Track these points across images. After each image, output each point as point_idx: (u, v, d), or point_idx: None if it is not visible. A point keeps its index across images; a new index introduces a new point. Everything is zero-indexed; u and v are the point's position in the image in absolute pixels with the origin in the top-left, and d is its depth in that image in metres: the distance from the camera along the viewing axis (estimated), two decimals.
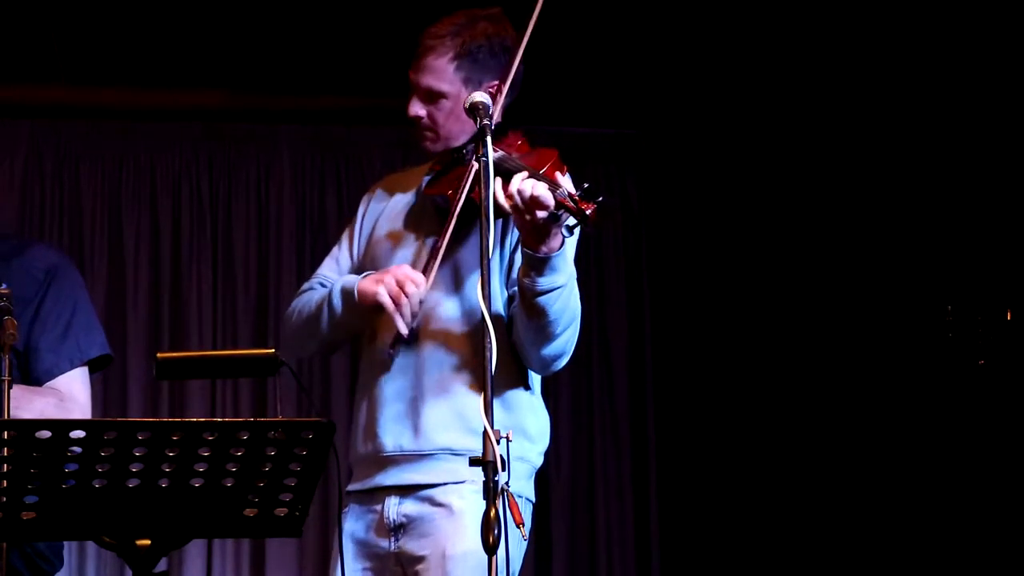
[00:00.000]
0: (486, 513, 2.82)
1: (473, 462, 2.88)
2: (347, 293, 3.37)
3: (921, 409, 5.96)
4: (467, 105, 3.20)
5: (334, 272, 3.54)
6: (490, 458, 2.85)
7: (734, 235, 6.56)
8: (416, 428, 3.31)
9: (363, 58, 6.25)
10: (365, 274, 3.41)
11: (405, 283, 3.26)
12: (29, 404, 3.44)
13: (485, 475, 2.84)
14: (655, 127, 6.74)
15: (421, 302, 3.28)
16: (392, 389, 3.35)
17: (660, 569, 6.56)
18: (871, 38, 5.90)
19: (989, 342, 5.19)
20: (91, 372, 3.65)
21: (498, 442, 2.86)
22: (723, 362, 6.52)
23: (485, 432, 2.86)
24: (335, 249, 3.59)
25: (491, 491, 2.83)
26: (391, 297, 3.25)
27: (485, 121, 3.13)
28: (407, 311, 3.25)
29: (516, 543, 3.22)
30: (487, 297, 2.98)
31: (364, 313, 3.34)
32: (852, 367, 6.19)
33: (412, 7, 5.67)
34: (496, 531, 2.82)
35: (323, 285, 3.52)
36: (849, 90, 6.13)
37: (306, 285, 3.56)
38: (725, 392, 6.49)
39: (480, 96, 3.19)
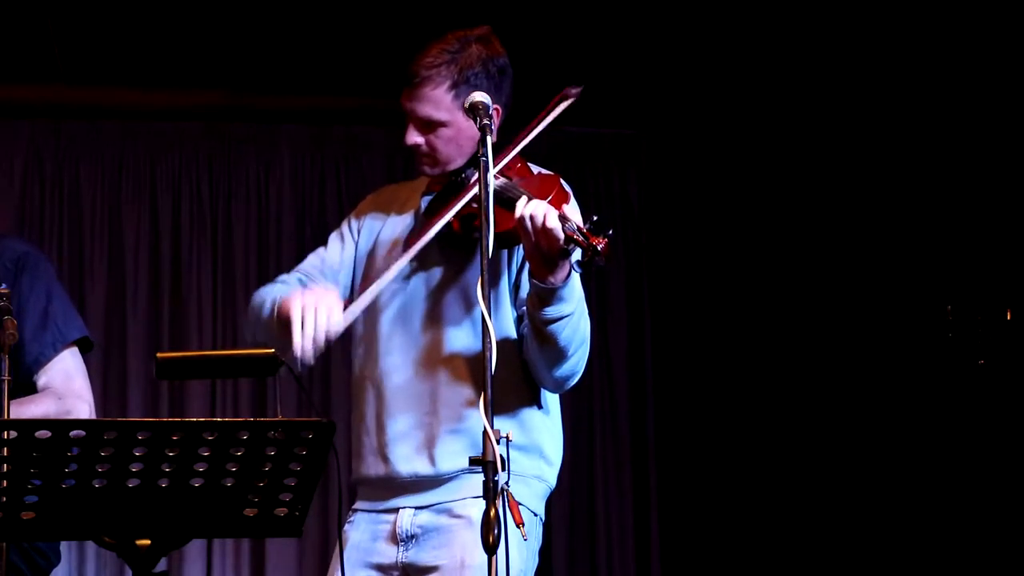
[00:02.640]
0: (486, 513, 2.82)
1: (473, 462, 2.87)
2: (274, 301, 3.30)
3: (921, 409, 5.96)
4: (467, 105, 3.20)
5: (316, 270, 3.49)
6: (490, 458, 2.85)
7: (734, 235, 6.56)
8: (432, 457, 3.28)
9: (363, 58, 6.25)
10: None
11: (321, 308, 3.14)
12: (31, 414, 3.44)
13: (485, 475, 2.84)
14: (655, 127, 6.74)
15: (328, 341, 3.14)
16: (405, 416, 3.32)
17: (660, 569, 6.56)
18: (871, 38, 5.90)
19: (989, 342, 5.19)
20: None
21: (498, 442, 2.86)
22: (723, 362, 6.52)
23: (485, 432, 2.86)
24: (320, 249, 3.54)
25: (491, 491, 2.83)
26: (301, 315, 3.13)
27: (485, 121, 3.13)
28: (308, 333, 3.12)
29: (528, 555, 3.23)
30: (487, 297, 2.97)
31: (279, 323, 3.24)
32: (852, 367, 6.19)
33: (411, 7, 5.69)
34: (496, 531, 2.81)
35: (300, 281, 3.46)
36: (849, 90, 6.13)
37: (283, 276, 3.50)
38: (725, 392, 6.49)
39: (480, 96, 3.19)
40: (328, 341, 3.16)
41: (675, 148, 6.73)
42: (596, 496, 6.58)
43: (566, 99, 3.33)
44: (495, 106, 3.32)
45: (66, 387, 3.58)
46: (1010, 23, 5.55)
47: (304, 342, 3.13)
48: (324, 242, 3.59)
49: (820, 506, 6.22)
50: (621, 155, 6.80)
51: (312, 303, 3.16)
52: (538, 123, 3.31)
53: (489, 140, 3.09)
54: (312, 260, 3.53)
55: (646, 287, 6.74)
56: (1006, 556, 5.61)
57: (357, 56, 6.25)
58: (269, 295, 3.39)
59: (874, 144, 6.17)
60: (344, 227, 3.55)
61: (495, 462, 2.84)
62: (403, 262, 3.27)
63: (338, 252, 3.51)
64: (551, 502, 3.45)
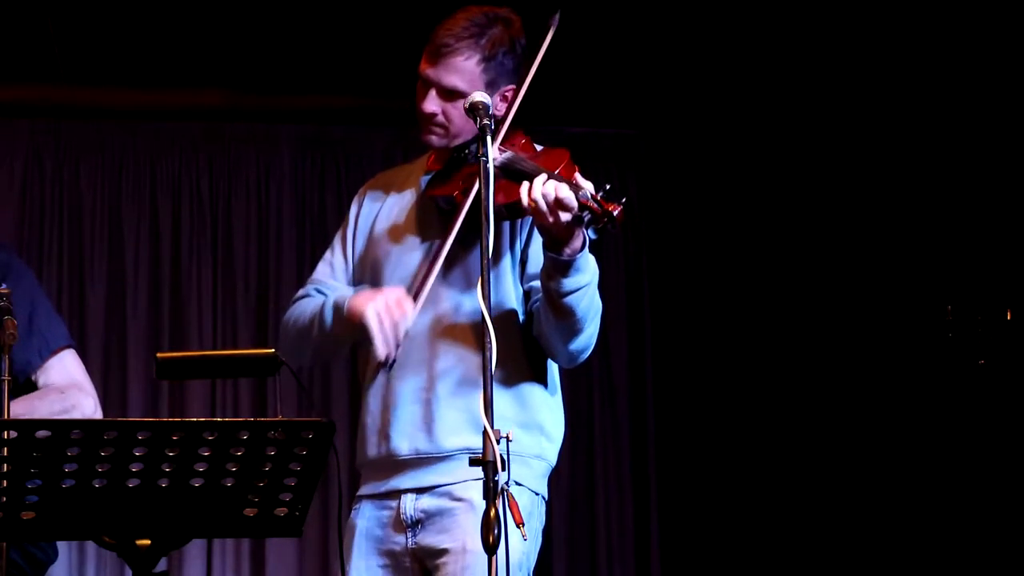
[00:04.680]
0: (486, 513, 2.82)
1: (473, 462, 2.88)
2: (338, 308, 3.34)
3: (921, 409, 5.96)
4: (467, 105, 3.19)
5: (328, 276, 3.50)
6: (490, 458, 2.85)
7: (734, 235, 6.56)
8: (431, 431, 3.29)
9: (363, 58, 6.25)
10: (358, 289, 3.38)
11: (394, 309, 3.21)
12: (34, 412, 3.44)
13: (485, 475, 2.84)
14: (655, 127, 6.74)
15: (407, 334, 3.23)
16: (405, 392, 3.32)
17: (660, 569, 6.56)
18: (871, 38, 5.90)
19: (989, 342, 5.19)
20: None
21: (498, 442, 2.86)
22: (723, 362, 6.52)
23: (485, 432, 2.86)
24: (327, 253, 3.56)
25: (491, 491, 2.83)
26: (378, 320, 3.20)
27: (485, 121, 3.12)
28: (391, 337, 3.20)
29: (531, 537, 3.22)
30: (487, 297, 2.97)
31: (352, 330, 3.30)
32: (853, 367, 6.19)
33: (412, 8, 5.69)
34: (496, 531, 2.81)
35: (319, 291, 3.48)
36: (849, 90, 6.13)
37: (301, 292, 3.52)
38: (725, 392, 6.49)
39: (480, 96, 3.18)
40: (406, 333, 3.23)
41: (675, 148, 6.73)
42: (596, 495, 6.57)
43: (550, 28, 3.33)
44: (511, 86, 3.36)
45: (67, 382, 3.58)
46: (1010, 23, 5.55)
47: (389, 344, 3.20)
48: (325, 241, 3.60)
49: (820, 506, 6.22)
50: (621, 155, 6.79)
51: (383, 304, 3.21)
52: (533, 61, 3.32)
53: (489, 140, 3.09)
54: (323, 268, 3.54)
55: (646, 287, 6.74)
56: (1006, 556, 5.61)
57: (357, 56, 6.25)
58: (316, 307, 3.40)
59: (874, 144, 6.17)
60: (345, 224, 3.56)
61: (495, 462, 2.85)
62: (452, 235, 3.26)
63: (342, 252, 3.52)
64: (551, 502, 3.45)
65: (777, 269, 6.44)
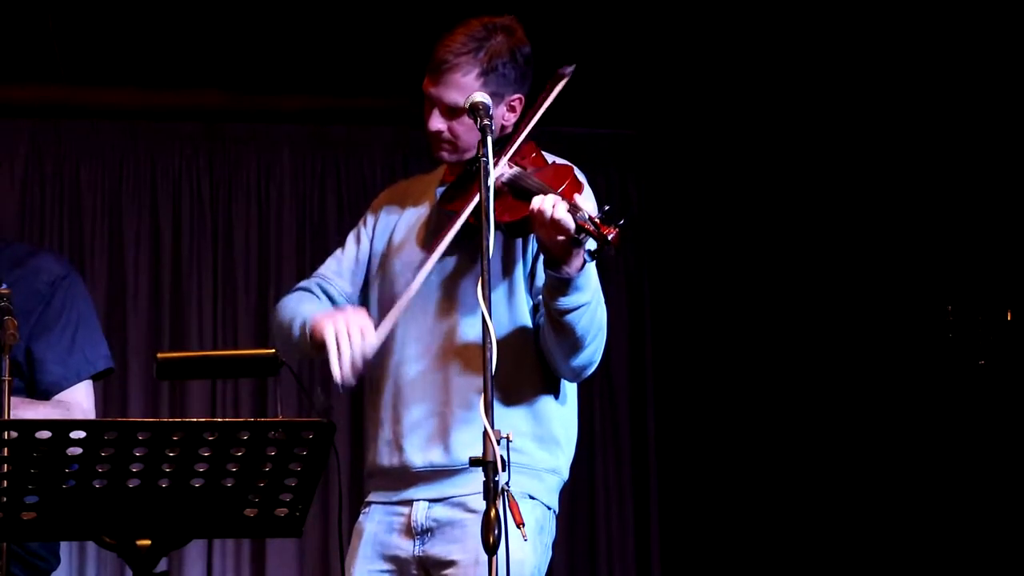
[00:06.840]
0: (486, 513, 2.82)
1: (473, 462, 2.87)
2: (304, 322, 3.33)
3: (921, 409, 5.96)
4: (467, 105, 3.20)
5: (334, 273, 3.50)
6: (490, 458, 2.85)
7: (734, 237, 6.56)
8: (447, 446, 3.28)
9: (363, 58, 6.25)
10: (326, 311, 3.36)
11: (353, 330, 3.18)
12: (33, 415, 3.44)
13: (485, 475, 2.84)
14: (655, 127, 6.74)
15: (365, 360, 3.19)
16: (420, 406, 3.32)
17: (660, 569, 6.56)
18: (871, 38, 5.90)
19: (989, 342, 5.18)
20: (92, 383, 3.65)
21: (498, 442, 2.86)
22: (724, 364, 6.52)
23: (485, 432, 2.86)
24: (338, 251, 3.55)
25: (491, 491, 2.83)
26: (336, 339, 3.18)
27: (485, 121, 3.13)
28: (346, 358, 3.17)
29: (542, 550, 3.25)
30: (487, 299, 2.97)
31: (314, 348, 3.28)
32: (853, 368, 6.19)
33: (413, 8, 5.69)
34: (496, 531, 2.81)
35: (320, 287, 3.48)
36: (849, 90, 6.13)
37: (303, 283, 3.53)
38: (726, 394, 6.49)
39: (480, 96, 3.20)
40: (365, 360, 3.19)
41: (675, 149, 6.73)
42: (596, 496, 6.58)
43: (561, 79, 3.35)
44: (518, 95, 3.36)
45: (75, 402, 3.57)
46: (1010, 23, 5.55)
47: (344, 368, 3.17)
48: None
49: (821, 506, 6.22)
50: (621, 156, 6.80)
51: (344, 326, 3.19)
52: (539, 108, 3.33)
53: (489, 140, 3.10)
54: (330, 264, 3.54)
55: (647, 287, 6.74)
56: (1006, 556, 5.61)
57: (357, 56, 6.26)
58: (296, 313, 3.40)
59: (874, 144, 6.17)
60: (360, 225, 3.56)
61: (495, 462, 2.84)
62: (427, 268, 3.25)
63: (354, 252, 3.52)
64: None
65: (778, 269, 6.44)
